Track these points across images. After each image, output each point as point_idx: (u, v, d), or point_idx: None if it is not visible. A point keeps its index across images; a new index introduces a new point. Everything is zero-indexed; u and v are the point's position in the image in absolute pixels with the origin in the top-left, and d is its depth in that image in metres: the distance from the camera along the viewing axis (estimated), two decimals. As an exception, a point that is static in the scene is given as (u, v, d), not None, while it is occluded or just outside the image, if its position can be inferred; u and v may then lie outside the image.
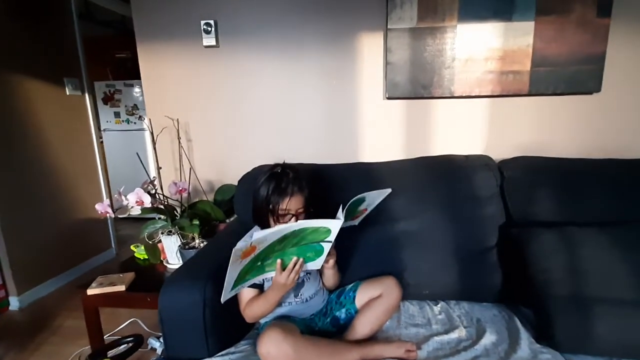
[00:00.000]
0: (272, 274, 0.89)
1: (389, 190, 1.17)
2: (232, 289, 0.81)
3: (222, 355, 0.93)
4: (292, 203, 0.96)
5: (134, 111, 3.25)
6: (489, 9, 1.34)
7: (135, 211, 1.24)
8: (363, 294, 1.07)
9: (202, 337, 0.93)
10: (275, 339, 0.84)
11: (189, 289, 0.94)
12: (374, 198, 1.14)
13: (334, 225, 0.83)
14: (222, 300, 0.81)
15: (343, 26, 1.47)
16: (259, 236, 0.78)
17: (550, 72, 1.36)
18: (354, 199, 1.04)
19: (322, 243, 0.86)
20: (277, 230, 0.79)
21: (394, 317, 1.10)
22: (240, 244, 0.79)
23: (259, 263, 0.84)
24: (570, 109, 1.42)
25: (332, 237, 0.85)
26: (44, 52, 2.17)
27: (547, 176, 1.23)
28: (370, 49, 1.48)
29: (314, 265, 0.92)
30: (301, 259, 0.88)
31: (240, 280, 0.83)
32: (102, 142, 2.71)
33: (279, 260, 0.86)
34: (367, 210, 1.15)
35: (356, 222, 1.15)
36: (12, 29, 1.99)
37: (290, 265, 0.87)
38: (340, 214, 0.87)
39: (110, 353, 1.18)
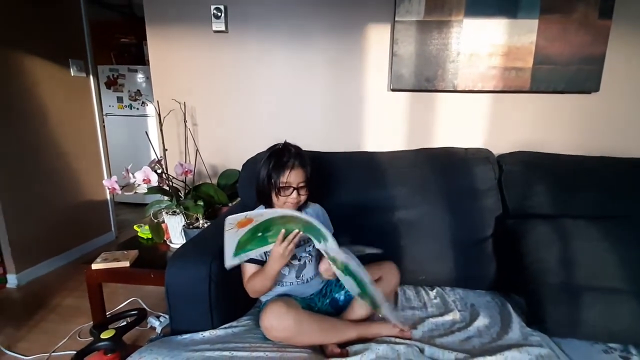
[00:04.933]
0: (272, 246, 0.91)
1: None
2: (235, 256, 0.86)
3: (225, 327, 0.96)
4: (292, 176, 0.98)
5: (137, 97, 3.25)
6: (495, 6, 1.37)
7: (142, 189, 1.26)
8: (363, 276, 1.10)
9: (207, 311, 0.96)
10: (278, 312, 0.88)
11: (196, 264, 0.96)
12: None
13: (330, 239, 0.86)
14: (227, 266, 0.86)
15: (351, 16, 1.50)
16: (257, 211, 0.80)
17: (552, 70, 1.40)
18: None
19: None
20: (278, 211, 0.81)
21: (391, 300, 1.14)
22: (235, 215, 0.81)
23: (260, 234, 0.86)
24: (569, 107, 1.46)
25: (328, 245, 0.88)
26: (50, 32, 2.16)
27: (543, 171, 1.26)
28: (377, 40, 1.50)
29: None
30: (300, 232, 0.89)
31: (240, 249, 0.86)
32: (104, 126, 2.70)
33: (282, 230, 0.88)
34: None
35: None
36: (18, 7, 1.98)
37: (290, 237, 0.89)
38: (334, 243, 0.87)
39: (113, 326, 1.21)
